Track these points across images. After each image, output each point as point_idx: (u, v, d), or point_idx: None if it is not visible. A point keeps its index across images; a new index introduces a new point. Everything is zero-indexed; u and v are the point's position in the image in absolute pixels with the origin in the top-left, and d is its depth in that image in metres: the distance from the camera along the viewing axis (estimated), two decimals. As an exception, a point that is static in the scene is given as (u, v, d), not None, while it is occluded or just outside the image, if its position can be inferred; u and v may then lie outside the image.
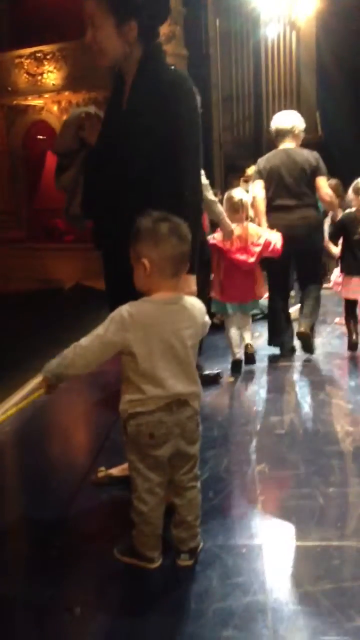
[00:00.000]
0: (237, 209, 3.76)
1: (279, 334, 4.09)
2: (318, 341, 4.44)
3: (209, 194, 3.36)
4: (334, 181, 7.41)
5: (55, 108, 14.89)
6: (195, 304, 1.74)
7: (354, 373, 3.91)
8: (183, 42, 12.63)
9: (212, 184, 8.54)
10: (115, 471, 2.34)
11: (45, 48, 14.29)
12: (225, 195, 3.90)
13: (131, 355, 1.64)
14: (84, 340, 1.63)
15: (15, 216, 15.40)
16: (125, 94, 2.00)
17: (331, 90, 13.36)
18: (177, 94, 1.90)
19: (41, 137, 15.34)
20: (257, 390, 3.54)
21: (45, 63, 14.40)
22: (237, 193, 3.84)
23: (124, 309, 1.64)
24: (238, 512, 2.12)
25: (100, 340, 1.62)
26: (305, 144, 4.36)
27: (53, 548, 1.92)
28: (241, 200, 3.77)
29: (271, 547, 1.89)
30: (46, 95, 14.80)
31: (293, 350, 4.11)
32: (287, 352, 4.09)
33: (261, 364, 4.05)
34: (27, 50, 14.46)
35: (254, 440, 2.75)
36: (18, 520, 2.16)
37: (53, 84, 14.47)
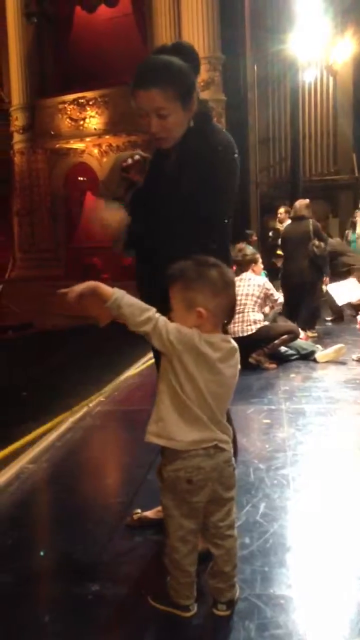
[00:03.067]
0: None
1: None
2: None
3: None
4: None
5: (96, 151, 15.37)
6: (236, 346, 1.74)
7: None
8: (222, 87, 12.96)
9: (248, 225, 8.61)
10: (150, 514, 2.32)
11: (88, 94, 14.87)
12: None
13: (178, 374, 1.62)
14: (157, 322, 1.59)
15: (55, 254, 15.79)
16: (168, 156, 1.99)
17: (368, 131, 13.47)
18: (220, 163, 1.91)
19: (82, 178, 15.81)
20: (293, 433, 3.48)
21: (88, 108, 14.96)
22: None
23: (192, 332, 1.61)
24: (276, 560, 2.06)
25: (162, 337, 1.59)
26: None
27: (89, 592, 1.90)
28: None
29: (311, 598, 1.83)
30: (87, 139, 15.31)
31: None
32: None
33: (298, 405, 4.01)
34: (71, 97, 15.08)
35: (291, 486, 2.70)
36: (54, 562, 2.15)
37: (95, 129, 14.98)
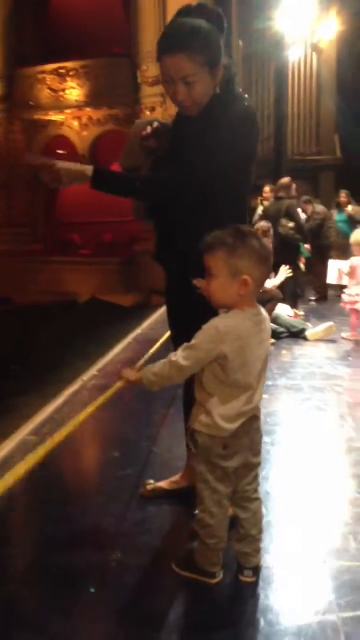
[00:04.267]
0: None
1: None
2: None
3: None
4: None
5: (75, 123, 15.04)
6: (266, 314, 1.73)
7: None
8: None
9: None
10: (164, 484, 2.31)
11: (68, 64, 14.47)
12: None
13: (223, 365, 1.61)
14: (181, 358, 1.60)
15: (32, 229, 15.50)
16: (192, 123, 1.94)
17: (351, 112, 13.49)
18: (244, 131, 1.89)
19: (61, 151, 15.46)
20: (291, 408, 3.52)
21: (68, 79, 14.57)
22: None
23: (218, 323, 1.60)
24: (294, 530, 2.09)
25: (197, 357, 1.60)
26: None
27: (111, 560, 1.89)
28: None
29: (336, 565, 1.85)
30: (67, 111, 14.96)
31: None
32: None
33: (293, 381, 4.05)
34: (51, 66, 14.65)
35: (299, 458, 2.73)
36: (71, 534, 2.11)
37: (75, 100, 14.63)
